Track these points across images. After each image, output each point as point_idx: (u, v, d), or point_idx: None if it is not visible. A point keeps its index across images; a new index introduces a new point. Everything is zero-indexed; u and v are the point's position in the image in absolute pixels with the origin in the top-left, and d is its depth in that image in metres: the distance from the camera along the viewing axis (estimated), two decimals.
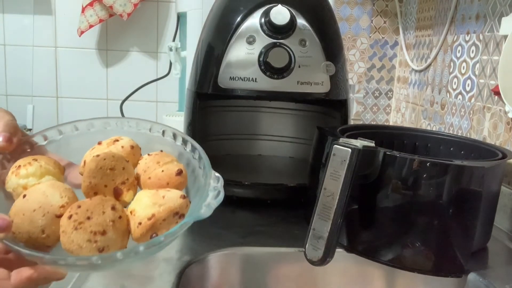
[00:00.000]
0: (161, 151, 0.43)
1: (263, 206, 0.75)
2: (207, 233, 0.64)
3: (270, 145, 0.98)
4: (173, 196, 0.37)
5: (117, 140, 0.43)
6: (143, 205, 0.37)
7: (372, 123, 1.35)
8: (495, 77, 0.80)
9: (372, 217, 0.58)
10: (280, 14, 0.70)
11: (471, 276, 0.57)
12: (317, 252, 0.51)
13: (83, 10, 1.32)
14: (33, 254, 0.34)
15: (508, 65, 0.70)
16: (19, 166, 0.39)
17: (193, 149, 0.43)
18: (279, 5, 0.71)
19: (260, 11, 0.72)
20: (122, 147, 0.42)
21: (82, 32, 1.34)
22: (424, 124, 1.10)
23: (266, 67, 0.71)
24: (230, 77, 0.72)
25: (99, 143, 0.43)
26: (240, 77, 0.72)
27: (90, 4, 1.32)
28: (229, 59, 0.72)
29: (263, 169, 0.92)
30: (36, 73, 1.43)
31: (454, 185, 0.54)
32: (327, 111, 0.88)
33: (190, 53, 1.12)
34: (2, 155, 0.41)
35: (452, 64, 0.98)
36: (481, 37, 0.86)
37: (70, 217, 0.35)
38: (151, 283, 0.51)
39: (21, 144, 0.43)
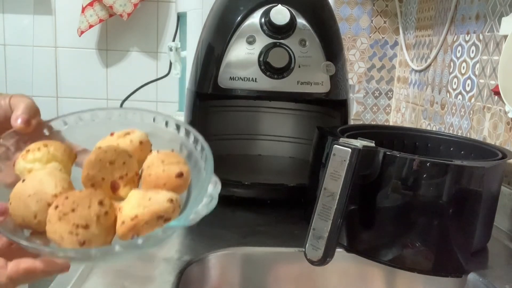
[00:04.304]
0: (173, 150, 0.42)
1: (263, 206, 0.75)
2: (207, 233, 0.64)
3: (270, 145, 0.97)
4: (160, 199, 0.36)
5: (129, 134, 0.43)
6: (130, 205, 0.36)
7: (372, 123, 1.35)
8: (495, 77, 0.80)
9: (372, 217, 0.58)
10: (280, 14, 0.70)
11: (471, 276, 0.57)
12: (317, 252, 0.51)
13: (83, 10, 1.32)
14: (14, 238, 0.34)
15: (508, 65, 0.70)
16: (28, 150, 0.40)
17: (196, 140, 0.42)
18: (279, 5, 0.71)
19: (260, 11, 0.72)
20: (131, 141, 0.42)
21: (82, 32, 1.34)
22: (424, 124, 1.10)
23: (266, 67, 0.71)
24: (230, 77, 0.72)
25: (111, 134, 0.43)
26: (240, 77, 0.72)
27: (90, 4, 1.31)
28: (229, 59, 0.72)
29: (263, 169, 0.92)
30: (36, 73, 1.43)
31: (454, 185, 0.54)
32: (327, 111, 0.88)
33: (190, 53, 1.12)
34: (18, 137, 0.41)
35: (452, 64, 0.98)
36: (481, 37, 0.86)
37: (56, 207, 0.35)
38: (151, 283, 0.51)
39: (40, 128, 0.42)
